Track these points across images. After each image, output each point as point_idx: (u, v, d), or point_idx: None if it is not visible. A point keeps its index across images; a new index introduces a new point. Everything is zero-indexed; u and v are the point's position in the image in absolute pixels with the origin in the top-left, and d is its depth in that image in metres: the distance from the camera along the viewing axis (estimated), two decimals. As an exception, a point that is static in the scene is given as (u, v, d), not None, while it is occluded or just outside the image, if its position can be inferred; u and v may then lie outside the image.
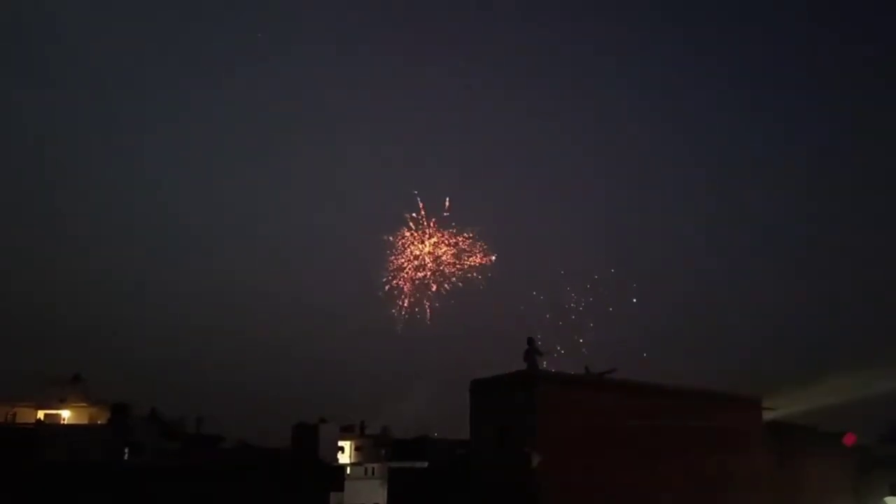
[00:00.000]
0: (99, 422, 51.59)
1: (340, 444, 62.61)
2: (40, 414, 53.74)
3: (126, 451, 43.25)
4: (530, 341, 18.84)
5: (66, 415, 55.25)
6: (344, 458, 62.67)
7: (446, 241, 49.62)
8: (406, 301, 48.05)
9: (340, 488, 42.91)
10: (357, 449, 66.31)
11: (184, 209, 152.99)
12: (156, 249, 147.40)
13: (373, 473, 52.12)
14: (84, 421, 53.58)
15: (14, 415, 52.55)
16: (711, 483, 18.27)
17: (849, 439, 23.93)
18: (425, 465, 35.15)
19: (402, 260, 48.68)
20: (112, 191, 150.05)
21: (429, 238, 49.75)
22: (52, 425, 50.63)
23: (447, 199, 48.49)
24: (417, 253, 49.22)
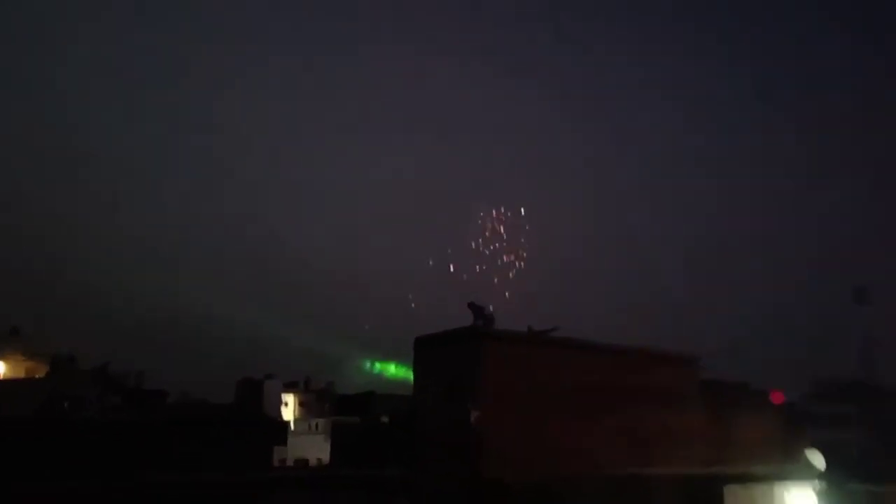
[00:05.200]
0: (37, 375, 50.70)
1: (284, 399, 62.80)
2: (-27, 368, 52.59)
3: (66, 404, 42.60)
4: (471, 306, 19.06)
5: (1, 369, 54.17)
6: (288, 413, 62.93)
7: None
8: None
9: (284, 442, 43.15)
10: (301, 404, 66.68)
11: (127, 160, 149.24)
12: (97, 202, 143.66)
13: (317, 428, 52.51)
14: (20, 375, 52.64)
15: (-53, 369, 51.32)
16: (647, 438, 18.86)
17: (776, 398, 24.85)
18: (360, 419, 35.56)
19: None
20: (52, 139, 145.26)
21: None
22: (-13, 378, 49.68)
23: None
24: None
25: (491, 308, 19.29)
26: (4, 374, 53.40)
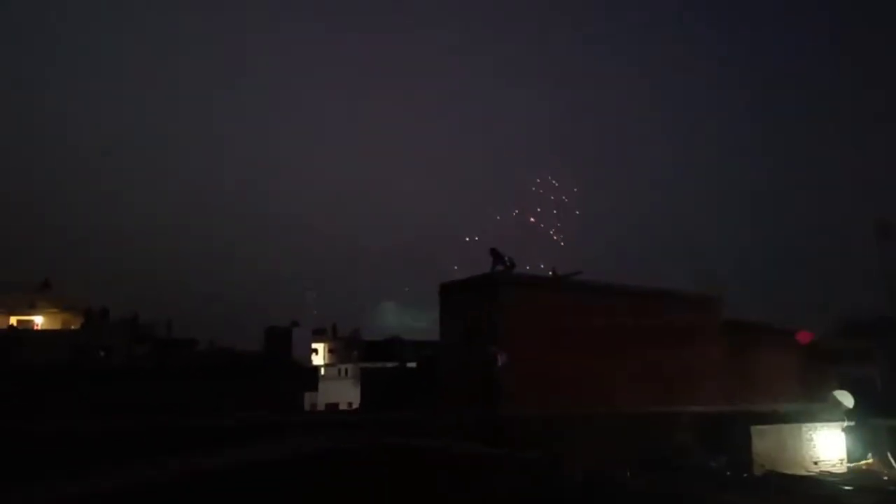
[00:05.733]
0: (72, 327, 51.82)
1: (314, 346, 63.68)
2: (13, 320, 53.85)
3: (102, 354, 43.58)
4: (492, 252, 19.23)
5: (38, 321, 55.43)
6: (318, 359, 63.94)
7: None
8: None
9: (315, 388, 43.85)
10: (330, 351, 67.65)
11: (153, 118, 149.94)
12: (126, 155, 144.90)
13: (346, 374, 53.40)
14: (57, 326, 53.82)
15: (-15, 321, 52.58)
16: (671, 379, 18.98)
17: (803, 337, 24.67)
18: (394, 364, 35.97)
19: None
20: (78, 96, 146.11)
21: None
22: (26, 330, 50.82)
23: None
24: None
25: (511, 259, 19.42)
26: (42, 326, 54.73)
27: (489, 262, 19.27)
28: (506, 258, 19.24)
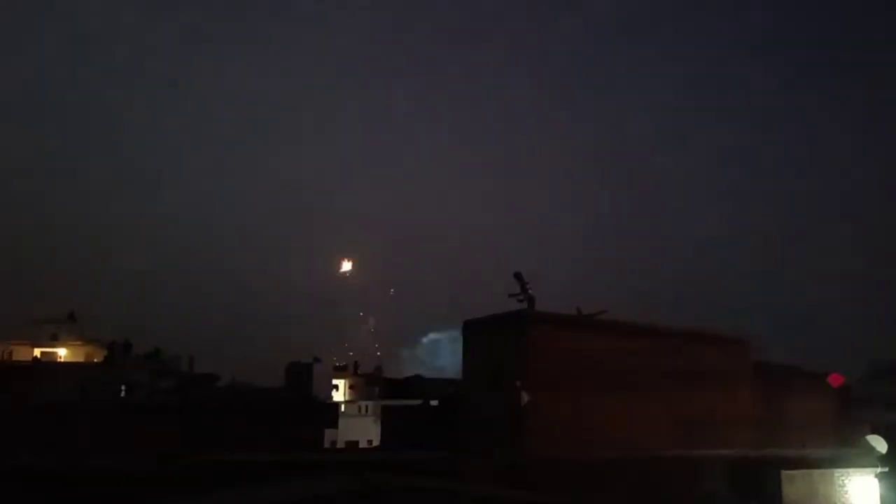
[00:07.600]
0: (95, 360, 52.06)
1: (335, 382, 63.49)
2: (37, 352, 54.15)
3: (123, 388, 43.62)
4: (517, 275, 19.11)
5: (62, 353, 55.74)
6: (338, 396, 63.69)
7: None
8: None
9: (335, 425, 43.44)
10: (351, 387, 67.39)
11: (175, 151, 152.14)
12: (145, 189, 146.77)
13: (366, 411, 53.03)
14: (80, 359, 54.09)
15: (10, 353, 52.91)
16: (696, 420, 18.59)
17: (835, 380, 24.18)
18: (417, 402, 35.63)
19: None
20: (99, 129, 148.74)
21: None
22: (49, 363, 51.08)
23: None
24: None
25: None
26: (65, 358, 55.06)
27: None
28: (528, 286, 19.09)
